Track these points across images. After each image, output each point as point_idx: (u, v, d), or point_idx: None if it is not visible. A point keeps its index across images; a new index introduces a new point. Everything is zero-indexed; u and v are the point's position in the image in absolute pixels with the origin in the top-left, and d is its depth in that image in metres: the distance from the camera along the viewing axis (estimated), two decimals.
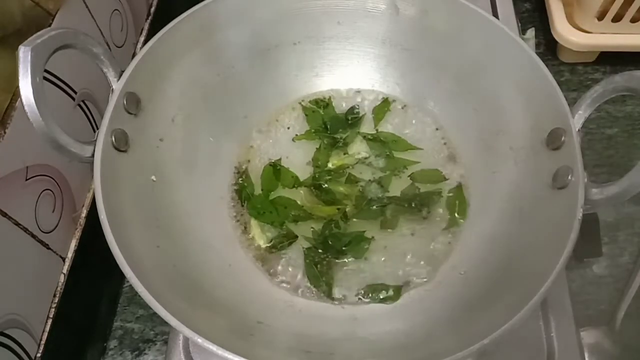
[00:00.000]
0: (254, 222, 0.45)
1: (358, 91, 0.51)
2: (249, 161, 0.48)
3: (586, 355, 0.43)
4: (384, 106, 0.50)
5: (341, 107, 0.51)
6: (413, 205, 0.45)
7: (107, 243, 0.33)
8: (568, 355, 0.42)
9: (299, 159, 0.48)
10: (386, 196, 0.46)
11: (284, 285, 0.42)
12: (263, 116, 0.50)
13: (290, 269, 0.43)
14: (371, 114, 0.50)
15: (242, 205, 0.46)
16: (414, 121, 0.50)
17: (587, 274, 0.49)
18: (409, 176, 0.47)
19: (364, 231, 0.44)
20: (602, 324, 0.45)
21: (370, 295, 0.41)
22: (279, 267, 0.43)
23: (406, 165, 0.47)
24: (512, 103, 0.43)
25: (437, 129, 0.49)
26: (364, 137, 0.49)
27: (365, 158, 0.48)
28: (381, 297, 0.41)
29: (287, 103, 0.51)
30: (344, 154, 0.49)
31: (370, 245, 0.44)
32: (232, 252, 0.43)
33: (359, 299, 0.41)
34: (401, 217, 0.45)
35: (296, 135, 0.49)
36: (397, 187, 0.47)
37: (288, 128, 0.50)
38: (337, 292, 0.42)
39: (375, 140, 0.49)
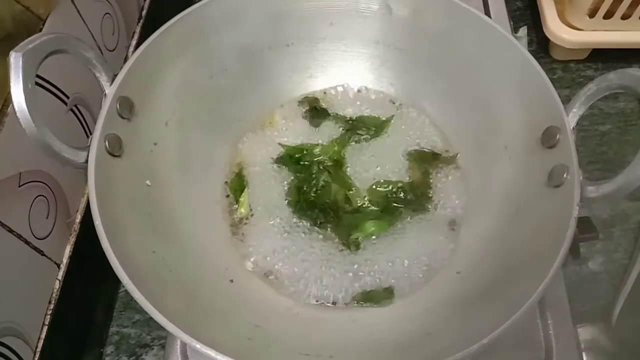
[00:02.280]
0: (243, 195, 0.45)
1: (353, 92, 0.51)
2: (243, 167, 0.47)
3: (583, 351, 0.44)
4: (384, 125, 0.50)
5: (335, 108, 0.50)
6: (409, 197, 0.45)
7: (102, 248, 0.32)
8: (566, 352, 0.42)
9: None
10: (384, 193, 0.46)
11: (282, 289, 0.42)
12: (257, 118, 0.50)
13: (288, 273, 0.43)
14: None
15: (237, 202, 0.45)
16: (408, 121, 0.50)
17: (583, 270, 0.49)
18: (408, 154, 0.47)
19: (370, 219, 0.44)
20: (599, 321, 0.46)
21: (363, 301, 0.41)
22: (277, 271, 0.43)
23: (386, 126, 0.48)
24: (506, 102, 0.43)
25: (431, 128, 0.49)
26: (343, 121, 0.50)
27: (348, 129, 0.49)
28: (374, 302, 0.41)
29: (282, 105, 0.51)
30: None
31: (370, 242, 0.44)
32: (229, 255, 0.43)
33: (355, 303, 0.41)
34: (399, 216, 0.45)
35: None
36: (389, 162, 0.47)
37: (284, 129, 0.50)
38: (334, 295, 0.42)
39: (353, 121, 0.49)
